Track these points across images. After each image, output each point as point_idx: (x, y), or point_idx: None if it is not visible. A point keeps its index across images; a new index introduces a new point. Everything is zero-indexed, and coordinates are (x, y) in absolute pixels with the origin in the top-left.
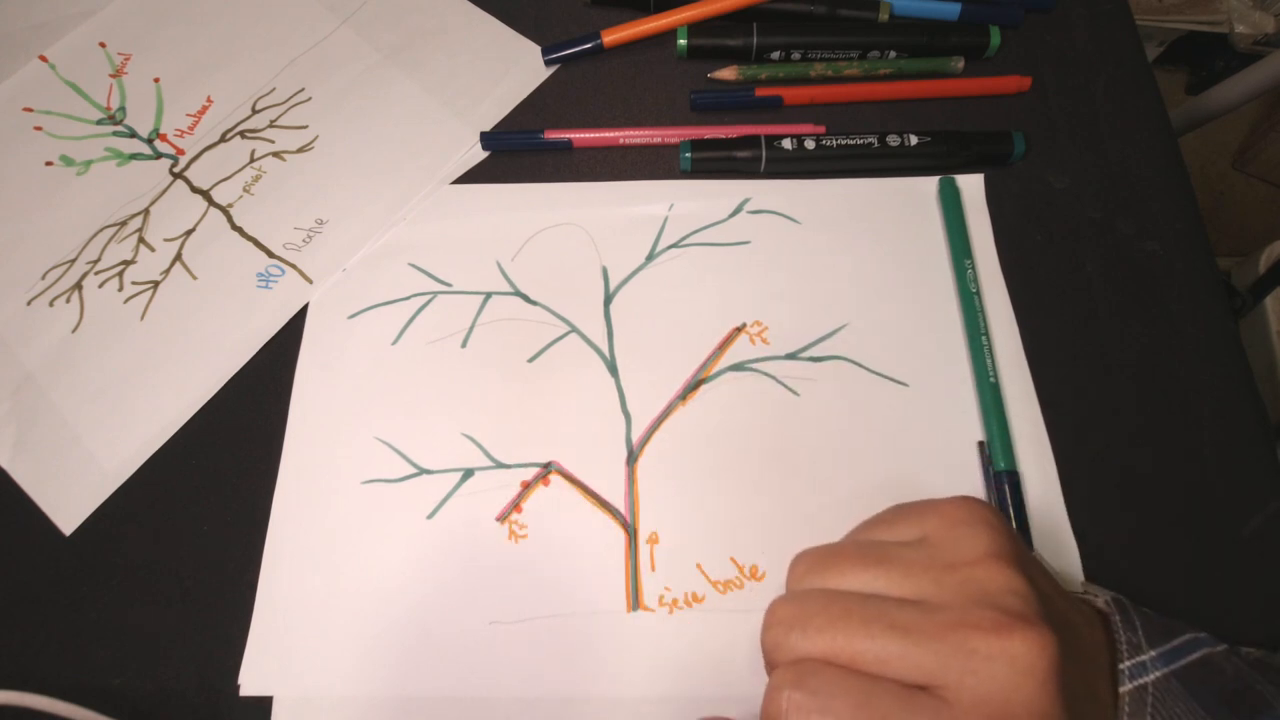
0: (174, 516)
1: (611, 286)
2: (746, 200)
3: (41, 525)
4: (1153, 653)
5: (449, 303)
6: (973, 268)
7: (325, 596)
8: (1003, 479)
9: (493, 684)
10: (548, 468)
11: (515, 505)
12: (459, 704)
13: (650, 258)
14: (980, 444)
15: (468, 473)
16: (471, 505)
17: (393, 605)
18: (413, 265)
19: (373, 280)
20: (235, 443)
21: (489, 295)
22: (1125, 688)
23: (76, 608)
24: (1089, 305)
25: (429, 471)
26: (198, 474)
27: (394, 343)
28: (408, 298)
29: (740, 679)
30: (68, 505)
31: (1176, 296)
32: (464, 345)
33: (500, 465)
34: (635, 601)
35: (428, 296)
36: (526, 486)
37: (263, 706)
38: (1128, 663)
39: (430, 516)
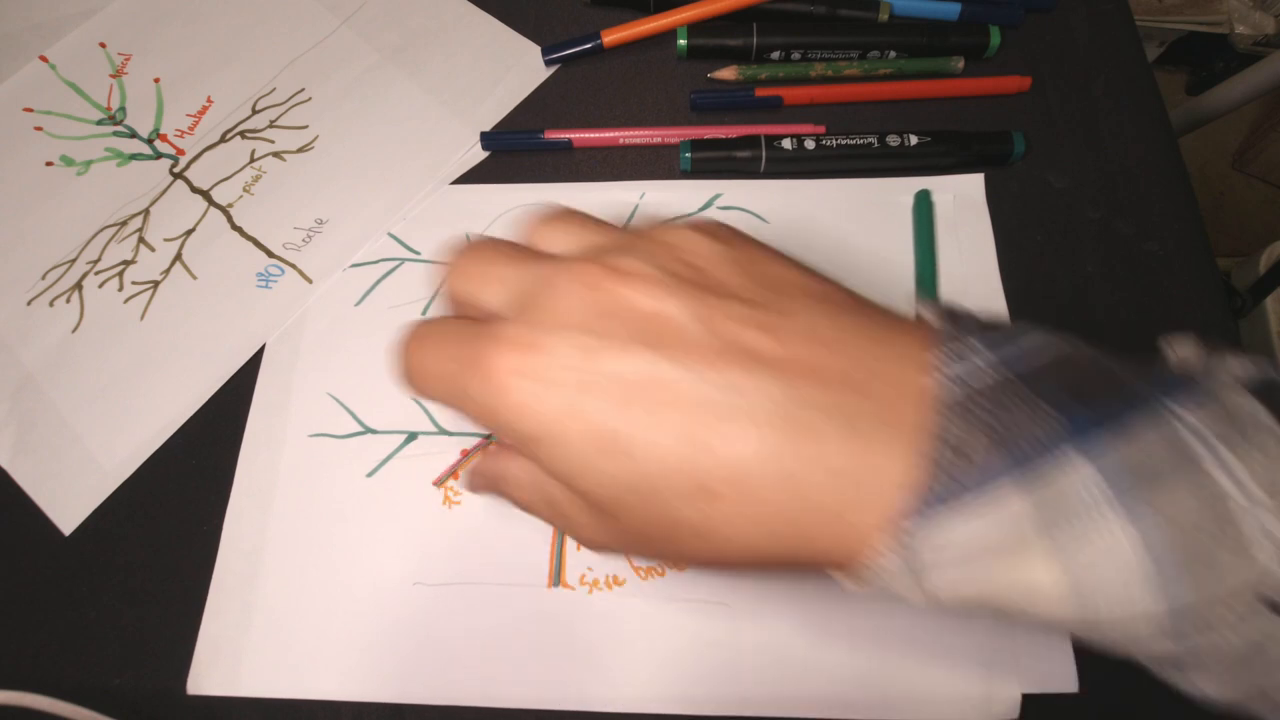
0: (174, 516)
1: None
2: (718, 195)
3: (41, 525)
4: (986, 356)
5: (415, 271)
6: (937, 285)
7: (258, 547)
8: None
9: (410, 640)
10: (489, 438)
11: (453, 472)
12: (378, 658)
13: None
14: None
15: (411, 436)
16: (411, 468)
17: (321, 556)
18: (387, 233)
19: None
20: (235, 442)
21: None
22: (942, 394)
23: (76, 608)
24: (1089, 306)
25: (374, 431)
26: (197, 474)
27: (357, 304)
28: (375, 262)
29: (651, 663)
30: (67, 505)
31: (1176, 296)
32: (424, 313)
33: (444, 432)
34: (557, 578)
35: (395, 263)
36: (466, 455)
37: (265, 706)
38: (950, 369)
39: (370, 475)
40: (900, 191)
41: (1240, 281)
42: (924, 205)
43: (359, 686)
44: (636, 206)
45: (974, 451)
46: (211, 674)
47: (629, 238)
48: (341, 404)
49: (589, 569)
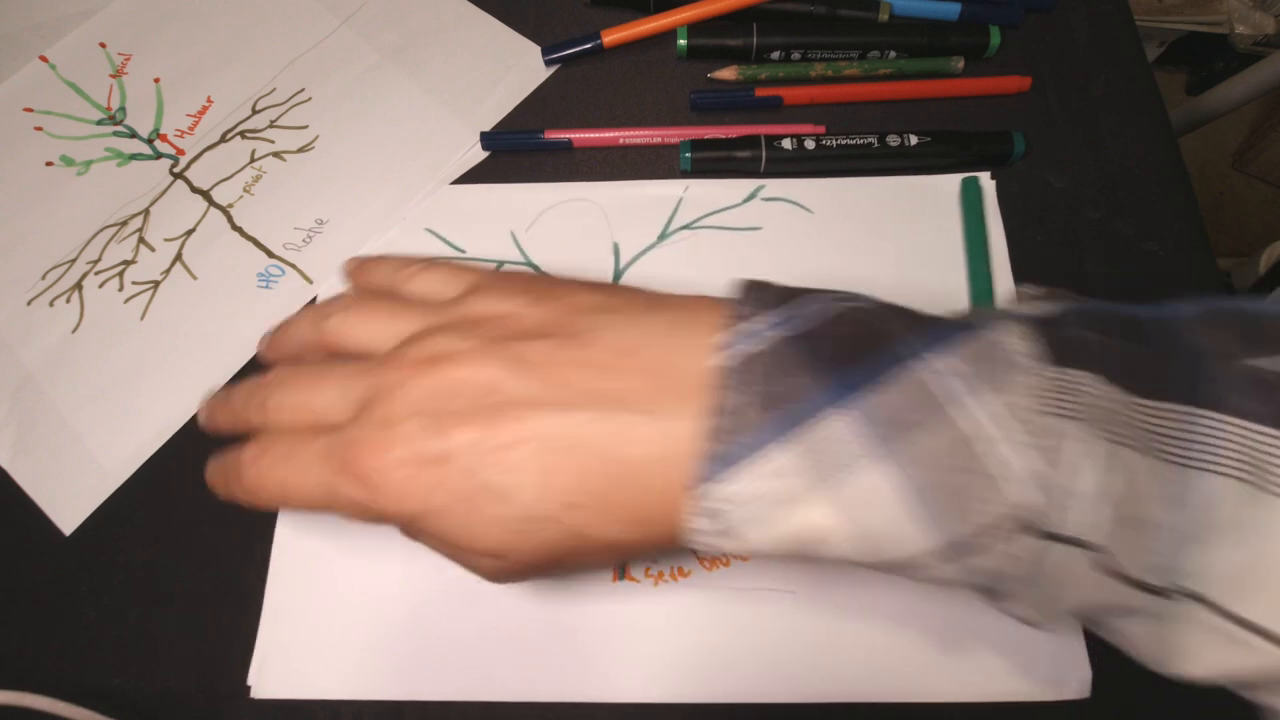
0: (174, 516)
1: (622, 263)
2: (761, 187)
3: (41, 525)
4: (769, 321)
5: None
6: (989, 274)
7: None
8: None
9: (486, 646)
10: None
11: None
12: (448, 656)
13: (662, 237)
14: None
15: None
16: None
17: (385, 562)
18: (429, 231)
19: (389, 243)
20: (234, 442)
21: (501, 264)
22: (721, 364)
23: (76, 608)
24: None
25: None
26: (198, 474)
27: None
28: None
29: (720, 653)
30: (68, 505)
31: (1177, 297)
32: None
33: None
34: (621, 572)
35: None
36: None
37: (264, 706)
38: (729, 337)
39: None
40: (917, 190)
41: (1240, 281)
42: (972, 193)
43: (419, 685)
44: (680, 199)
45: (746, 416)
46: (270, 674)
47: (450, 315)
48: None
49: (653, 561)
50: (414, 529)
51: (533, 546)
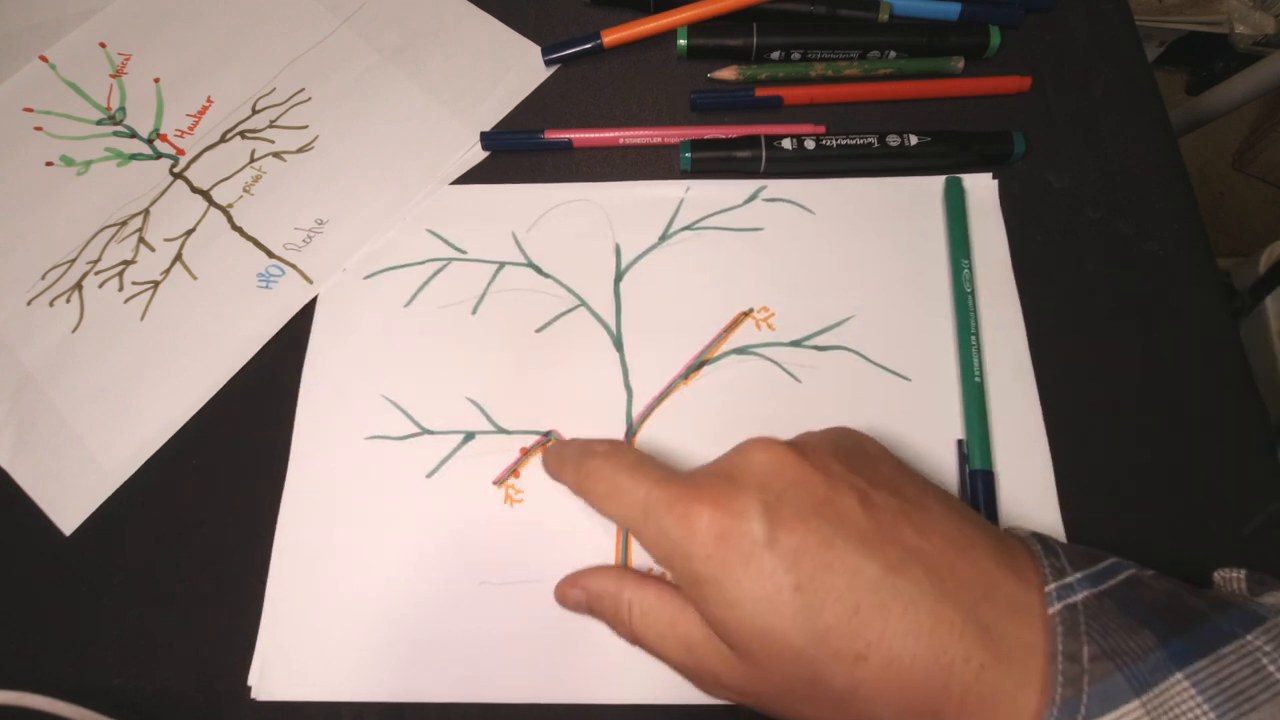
0: (174, 516)
1: (623, 264)
2: (762, 188)
3: (41, 525)
4: (1078, 575)
5: (463, 270)
6: (969, 268)
7: (327, 558)
8: (977, 478)
9: (485, 646)
10: (547, 436)
11: (513, 470)
12: (448, 657)
13: (663, 238)
14: (959, 442)
15: (469, 435)
16: (471, 467)
17: (386, 564)
18: (430, 231)
19: (390, 243)
20: (235, 443)
21: (502, 265)
22: (1054, 609)
23: (76, 608)
24: (1089, 305)
25: (431, 432)
26: (198, 474)
27: (406, 305)
28: (422, 262)
29: None
30: (68, 505)
31: (1176, 296)
32: (474, 312)
33: (501, 430)
34: None
35: (442, 262)
36: (525, 453)
37: (264, 707)
38: (1052, 585)
39: (429, 475)
40: (914, 190)
41: (1240, 281)
42: (955, 192)
43: (419, 686)
44: (682, 200)
45: (1099, 668)
46: (271, 676)
47: (801, 436)
48: (397, 405)
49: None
50: (696, 591)
51: (791, 673)
